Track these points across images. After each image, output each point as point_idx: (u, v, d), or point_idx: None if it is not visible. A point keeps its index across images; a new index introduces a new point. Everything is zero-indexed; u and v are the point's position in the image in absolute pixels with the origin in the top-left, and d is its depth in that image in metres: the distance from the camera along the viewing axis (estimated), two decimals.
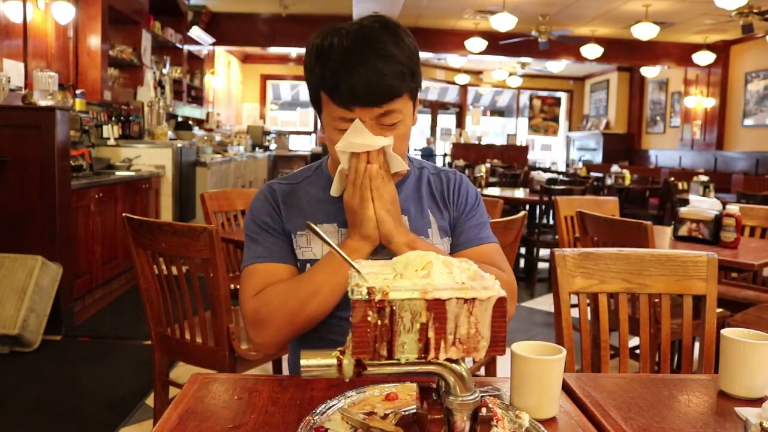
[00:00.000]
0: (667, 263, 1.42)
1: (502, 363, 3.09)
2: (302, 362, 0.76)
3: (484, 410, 0.75)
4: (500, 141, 12.95)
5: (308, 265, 1.20)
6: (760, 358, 0.99)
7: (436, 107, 14.02)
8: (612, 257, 1.42)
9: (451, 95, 14.44)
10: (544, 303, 4.72)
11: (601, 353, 1.45)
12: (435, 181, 1.31)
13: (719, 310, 2.67)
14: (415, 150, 12.11)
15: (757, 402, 0.95)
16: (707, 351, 1.40)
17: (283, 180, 1.30)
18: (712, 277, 1.40)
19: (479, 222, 1.31)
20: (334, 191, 1.17)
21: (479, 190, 1.29)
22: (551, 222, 5.91)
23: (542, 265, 5.35)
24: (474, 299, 0.70)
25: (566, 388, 1.04)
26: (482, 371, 2.40)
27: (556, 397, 0.93)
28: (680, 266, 1.41)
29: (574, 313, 1.65)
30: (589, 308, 1.52)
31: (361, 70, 1.06)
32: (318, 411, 0.86)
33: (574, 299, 1.45)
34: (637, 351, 1.91)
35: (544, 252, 5.33)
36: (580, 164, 11.55)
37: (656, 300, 1.52)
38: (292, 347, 1.32)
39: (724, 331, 1.02)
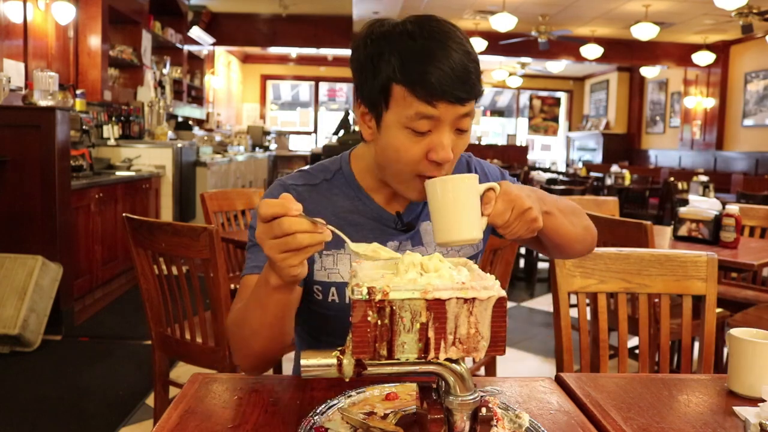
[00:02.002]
0: (667, 263, 1.42)
1: (502, 363, 3.09)
2: (302, 362, 0.76)
3: (483, 410, 0.75)
4: (500, 141, 12.95)
5: (333, 288, 1.11)
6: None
7: None
8: (611, 257, 1.43)
9: None
10: (543, 303, 4.72)
11: (600, 353, 1.45)
12: (482, 172, 1.24)
13: (719, 310, 2.67)
14: None
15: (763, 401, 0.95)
16: (707, 351, 1.40)
17: (299, 181, 1.15)
18: (712, 277, 1.40)
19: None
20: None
21: None
22: None
23: (542, 265, 5.35)
24: (474, 299, 0.70)
25: (566, 388, 1.04)
26: (482, 371, 2.40)
27: (475, 218, 0.92)
28: (680, 266, 1.41)
29: (574, 312, 1.66)
30: (588, 308, 1.52)
31: (450, 62, 0.95)
32: (318, 411, 0.87)
33: (573, 299, 1.45)
34: (637, 351, 1.91)
35: None
36: (580, 164, 11.55)
37: (656, 300, 1.52)
38: (297, 348, 1.30)
39: (732, 331, 1.03)
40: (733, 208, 2.67)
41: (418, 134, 0.98)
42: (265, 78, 12.95)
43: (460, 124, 1.00)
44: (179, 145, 5.68)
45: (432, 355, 0.71)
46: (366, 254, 0.83)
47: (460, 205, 0.91)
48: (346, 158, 1.18)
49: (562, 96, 14.49)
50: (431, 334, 0.70)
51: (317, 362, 0.75)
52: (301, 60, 12.57)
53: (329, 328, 1.15)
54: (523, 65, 11.46)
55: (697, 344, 2.37)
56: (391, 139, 1.01)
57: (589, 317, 1.51)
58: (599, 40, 9.42)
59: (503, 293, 0.71)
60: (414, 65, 0.95)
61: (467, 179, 0.92)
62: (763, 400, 0.90)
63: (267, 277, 0.89)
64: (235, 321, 1.02)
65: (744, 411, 0.93)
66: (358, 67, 1.04)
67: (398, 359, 0.71)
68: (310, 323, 1.20)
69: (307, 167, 1.21)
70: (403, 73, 0.96)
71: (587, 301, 1.50)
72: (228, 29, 9.39)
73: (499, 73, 12.33)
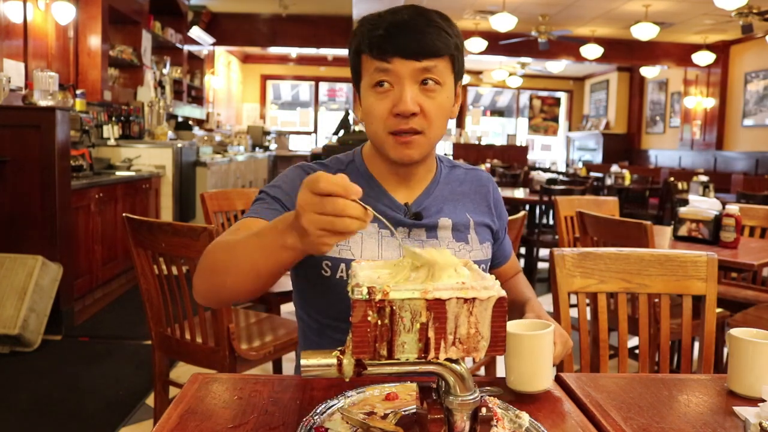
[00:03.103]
0: (667, 263, 1.42)
1: (502, 363, 3.09)
2: (302, 362, 0.76)
3: (484, 410, 0.75)
4: (500, 141, 12.95)
5: (342, 264, 1.13)
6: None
7: None
8: (611, 257, 1.42)
9: None
10: (543, 303, 4.71)
11: (600, 353, 1.45)
12: (479, 182, 1.30)
13: (719, 310, 2.67)
14: None
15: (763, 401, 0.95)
16: (707, 351, 1.40)
17: (317, 165, 1.23)
18: (712, 277, 1.40)
19: (504, 230, 1.34)
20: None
21: None
22: (551, 222, 5.92)
23: (542, 265, 5.35)
24: (474, 299, 0.70)
25: (566, 388, 1.04)
26: (482, 371, 2.40)
27: (548, 370, 0.98)
28: (680, 266, 1.41)
29: (574, 313, 1.66)
30: (588, 308, 1.52)
31: (407, 29, 1.06)
32: (318, 411, 0.87)
33: (573, 299, 1.45)
34: (637, 351, 1.92)
35: (543, 252, 5.33)
36: (580, 164, 11.55)
37: (656, 300, 1.52)
38: (299, 345, 1.31)
39: (732, 331, 1.03)
40: (733, 208, 2.67)
41: (380, 92, 1.08)
42: (265, 78, 12.95)
43: (423, 79, 1.07)
44: (179, 145, 5.68)
45: (432, 355, 0.71)
46: (422, 256, 0.78)
47: (543, 359, 0.98)
48: (359, 150, 1.25)
49: (562, 96, 14.49)
50: (431, 334, 0.70)
51: (317, 362, 0.75)
52: (301, 60, 12.57)
53: (334, 310, 1.15)
54: (523, 65, 11.46)
55: (697, 344, 2.37)
56: (365, 103, 1.12)
57: (589, 317, 1.51)
58: (599, 40, 9.42)
59: (503, 293, 0.71)
60: (371, 34, 1.08)
61: (549, 336, 0.98)
62: (763, 400, 0.90)
63: (284, 234, 0.84)
64: (220, 247, 0.97)
65: (744, 411, 0.93)
66: (349, 60, 1.16)
67: (398, 359, 0.71)
68: (314, 306, 1.21)
69: (323, 160, 1.27)
70: (367, 42, 1.08)
71: (587, 301, 1.50)
72: (228, 29, 9.39)
73: (499, 73, 12.33)
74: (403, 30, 1.06)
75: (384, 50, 1.06)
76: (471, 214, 1.24)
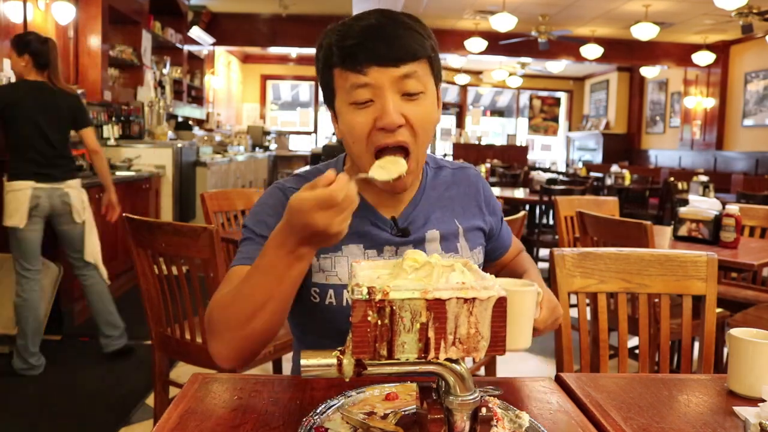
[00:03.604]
0: (667, 263, 1.42)
1: (502, 363, 3.08)
2: (302, 362, 0.76)
3: (484, 410, 0.75)
4: (500, 141, 12.95)
5: (331, 290, 1.10)
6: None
7: None
8: (611, 257, 1.42)
9: (451, 95, 14.44)
10: None
11: (600, 353, 1.45)
12: (461, 180, 1.24)
13: (719, 310, 2.67)
14: None
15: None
16: (707, 351, 1.40)
17: (295, 184, 1.13)
18: (712, 277, 1.40)
19: (501, 221, 1.31)
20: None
21: None
22: (551, 222, 5.92)
23: (542, 265, 5.34)
24: (474, 299, 0.70)
25: (566, 388, 1.04)
26: (482, 371, 2.40)
27: (527, 330, 0.95)
28: (680, 266, 1.41)
29: (574, 313, 1.66)
30: (588, 308, 1.52)
31: (380, 36, 0.99)
32: (318, 411, 0.87)
33: (573, 299, 1.45)
34: (637, 351, 1.92)
35: (543, 252, 5.33)
36: (580, 164, 11.55)
37: (656, 300, 1.52)
38: (296, 349, 1.30)
39: (732, 331, 1.03)
40: (733, 208, 2.67)
41: (360, 106, 1.01)
42: (265, 78, 12.95)
43: (404, 87, 1.00)
44: (179, 145, 5.68)
45: (432, 355, 0.71)
46: (382, 177, 0.94)
47: (522, 318, 0.94)
48: (342, 161, 1.19)
49: (562, 96, 14.49)
50: (431, 334, 0.70)
51: (317, 362, 0.75)
52: (301, 60, 12.57)
53: (327, 331, 1.13)
54: (523, 65, 11.46)
55: (697, 344, 2.37)
56: (344, 121, 1.04)
57: (589, 317, 1.51)
58: (599, 40, 9.42)
59: (503, 293, 0.71)
60: (341, 44, 1.00)
61: (530, 295, 0.94)
62: (763, 400, 0.90)
63: (296, 250, 0.86)
64: (224, 304, 0.95)
65: (744, 411, 0.93)
66: (317, 72, 1.09)
67: (398, 359, 0.71)
68: (308, 328, 1.19)
69: (303, 170, 1.22)
70: (336, 56, 1.01)
71: (587, 301, 1.50)
72: (228, 29, 9.39)
73: (499, 73, 12.33)
74: (375, 35, 0.98)
75: (357, 60, 0.98)
76: (460, 220, 1.19)
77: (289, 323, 1.25)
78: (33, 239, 3.10)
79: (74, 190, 3.24)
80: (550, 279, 1.45)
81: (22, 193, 3.02)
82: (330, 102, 1.07)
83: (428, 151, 1.16)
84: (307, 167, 1.25)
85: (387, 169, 0.96)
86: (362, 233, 1.11)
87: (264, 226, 1.08)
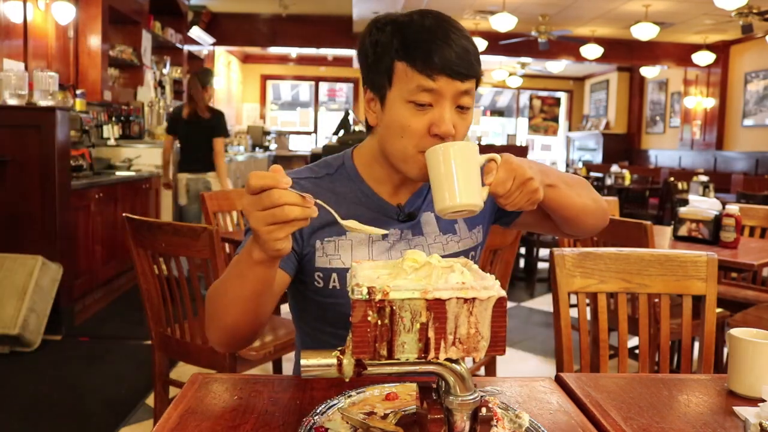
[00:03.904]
0: (667, 263, 1.42)
1: (502, 363, 3.09)
2: (302, 362, 0.76)
3: (483, 410, 0.75)
4: (500, 141, 12.95)
5: (334, 274, 1.12)
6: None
7: None
8: (611, 257, 1.42)
9: None
10: (543, 303, 4.72)
11: (600, 353, 1.45)
12: None
13: (719, 310, 2.67)
14: None
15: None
16: (707, 351, 1.40)
17: (302, 174, 1.16)
18: (712, 277, 1.40)
19: None
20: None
21: None
22: None
23: (542, 265, 5.35)
24: (474, 299, 0.70)
25: (566, 388, 1.04)
26: (482, 371, 2.40)
27: (471, 185, 0.92)
28: (680, 266, 1.41)
29: (574, 312, 1.66)
30: (588, 308, 1.52)
31: (450, 43, 1.01)
32: (318, 411, 0.87)
33: (573, 299, 1.45)
34: (637, 351, 1.91)
35: (543, 252, 5.33)
36: (580, 164, 11.55)
37: (656, 300, 1.52)
38: (298, 348, 1.30)
39: (732, 331, 1.03)
40: (733, 208, 2.67)
41: (419, 107, 1.02)
42: (265, 78, 12.95)
43: (461, 101, 1.03)
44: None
45: (432, 355, 0.71)
46: (356, 228, 0.88)
47: (461, 171, 0.91)
48: (349, 154, 1.20)
49: (562, 96, 14.49)
50: (431, 334, 0.70)
51: (317, 362, 0.75)
52: (301, 60, 12.57)
53: (331, 317, 1.15)
54: (523, 65, 11.46)
55: (697, 344, 2.37)
56: (395, 114, 1.05)
57: (589, 317, 1.51)
58: (599, 40, 9.42)
59: (503, 293, 0.70)
60: (414, 42, 1.02)
61: (468, 146, 0.93)
62: (763, 400, 0.90)
63: (250, 251, 0.89)
64: (213, 290, 1.01)
65: (744, 411, 0.93)
66: (364, 54, 1.09)
67: (398, 359, 0.71)
68: (311, 314, 1.20)
69: (310, 164, 1.22)
70: (405, 50, 1.02)
71: (587, 301, 1.50)
72: (228, 29, 9.39)
73: (499, 73, 12.33)
74: (446, 43, 1.01)
75: (431, 65, 1.00)
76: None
77: (292, 313, 1.27)
78: (192, 213, 4.56)
79: (213, 179, 4.55)
80: (550, 279, 1.45)
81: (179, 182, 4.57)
82: (379, 88, 1.07)
83: None
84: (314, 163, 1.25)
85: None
86: (367, 219, 1.10)
87: None
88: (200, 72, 4.66)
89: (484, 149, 1.06)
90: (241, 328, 1.00)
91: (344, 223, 0.87)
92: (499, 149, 10.85)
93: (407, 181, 1.15)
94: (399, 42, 1.03)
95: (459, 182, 0.91)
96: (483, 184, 0.95)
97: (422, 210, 1.18)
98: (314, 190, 1.08)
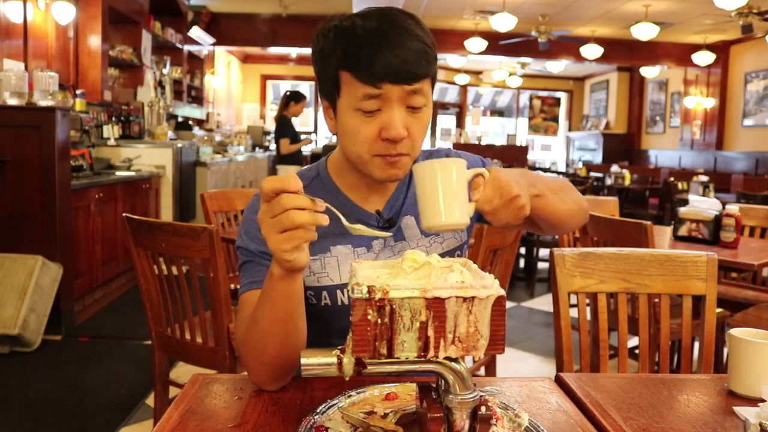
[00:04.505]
0: (667, 263, 1.42)
1: (502, 363, 3.09)
2: (302, 361, 0.76)
3: (483, 409, 0.75)
4: (500, 141, 12.96)
5: (324, 292, 1.12)
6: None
7: (436, 107, 14.02)
8: (611, 257, 1.42)
9: (451, 95, 14.44)
10: (543, 303, 4.73)
11: (600, 353, 1.45)
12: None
13: (719, 310, 2.67)
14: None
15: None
16: (707, 351, 1.40)
17: None
18: (712, 277, 1.40)
19: None
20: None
21: None
22: None
23: (542, 265, 5.35)
24: (473, 298, 0.70)
25: (566, 388, 1.04)
26: (482, 371, 2.40)
27: (458, 203, 0.90)
28: (680, 266, 1.41)
29: (574, 312, 1.66)
30: (588, 308, 1.52)
31: (392, 47, 0.98)
32: (318, 410, 0.87)
33: (574, 299, 1.45)
34: (637, 351, 1.91)
35: (543, 252, 5.34)
36: (580, 164, 11.55)
37: (656, 300, 1.52)
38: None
39: (732, 331, 1.03)
40: (733, 208, 2.67)
41: (367, 114, 1.02)
42: (265, 78, 12.95)
43: (411, 101, 1.02)
44: (179, 145, 5.68)
45: (432, 353, 0.71)
46: (364, 231, 0.87)
47: (448, 188, 0.90)
48: (323, 163, 1.19)
49: (562, 96, 14.49)
50: (431, 332, 0.70)
51: (317, 361, 0.75)
52: (301, 60, 12.57)
53: (329, 331, 1.15)
54: (523, 65, 11.46)
55: (697, 344, 2.37)
56: (346, 123, 1.05)
57: (589, 317, 1.51)
58: (599, 40, 9.42)
59: (502, 292, 0.71)
60: (354, 51, 0.99)
61: (456, 163, 0.91)
62: (763, 400, 0.90)
63: (272, 269, 0.88)
64: (244, 331, 0.99)
65: (744, 411, 0.93)
66: (313, 62, 1.09)
67: (398, 358, 0.71)
68: (310, 329, 1.19)
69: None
70: (347, 59, 1.00)
71: (587, 301, 1.50)
72: (228, 29, 9.39)
73: (499, 73, 12.33)
74: (389, 46, 0.98)
75: (373, 73, 0.98)
76: None
77: None
78: None
79: (281, 171, 5.41)
80: (550, 279, 1.45)
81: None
82: (330, 98, 1.07)
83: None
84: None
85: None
86: (347, 233, 1.12)
87: (259, 241, 1.06)
88: (291, 92, 6.16)
89: (484, 149, 1.06)
90: (284, 354, 0.95)
91: (351, 226, 0.86)
92: (499, 149, 10.79)
93: (378, 185, 1.14)
94: (341, 51, 1.01)
95: (445, 200, 0.90)
96: (470, 200, 0.93)
97: (401, 214, 1.17)
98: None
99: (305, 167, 1.23)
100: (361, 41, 0.99)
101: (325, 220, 0.81)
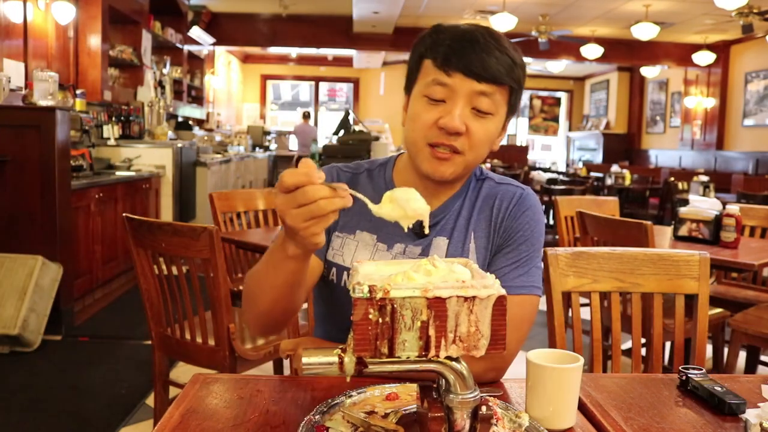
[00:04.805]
0: (660, 262, 1.42)
1: None
2: (303, 359, 0.76)
3: (484, 408, 0.75)
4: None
5: (333, 268, 1.15)
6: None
7: None
8: (605, 256, 1.42)
9: None
10: (543, 303, 4.71)
11: (593, 352, 1.45)
12: (492, 195, 1.17)
13: (719, 310, 2.67)
14: None
15: None
16: (699, 350, 1.40)
17: (347, 168, 1.22)
18: (704, 276, 1.40)
19: (516, 260, 1.12)
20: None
21: None
22: (551, 222, 5.92)
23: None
24: (474, 297, 0.70)
25: None
26: None
27: (574, 406, 0.89)
28: (672, 265, 1.41)
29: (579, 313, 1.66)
30: (584, 308, 1.52)
31: (477, 48, 1.03)
32: (319, 410, 0.87)
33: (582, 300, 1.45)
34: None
35: None
36: (580, 164, 11.56)
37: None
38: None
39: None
40: (734, 208, 2.66)
41: (432, 102, 1.06)
42: (265, 78, 12.96)
43: (477, 102, 1.05)
44: (179, 145, 5.68)
45: (432, 353, 0.71)
46: (390, 217, 0.84)
47: (565, 394, 0.88)
48: (395, 157, 1.24)
49: (563, 96, 14.49)
50: (432, 332, 0.70)
51: (318, 360, 0.75)
52: (301, 60, 12.58)
53: (334, 307, 1.18)
54: None
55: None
56: (412, 108, 1.09)
57: (584, 317, 1.51)
58: (599, 40, 9.42)
59: (503, 292, 0.71)
60: (443, 42, 1.05)
61: (575, 371, 0.89)
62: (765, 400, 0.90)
63: (284, 246, 0.89)
64: (250, 277, 1.04)
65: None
66: (408, 60, 1.14)
67: (399, 357, 0.71)
68: (323, 299, 1.23)
69: (362, 161, 1.26)
70: (432, 47, 1.06)
71: (581, 300, 1.50)
72: (228, 29, 9.39)
73: None
74: (472, 47, 1.03)
75: (448, 62, 1.03)
76: (476, 235, 1.15)
77: (316, 318, 1.30)
78: None
79: None
80: (543, 279, 1.45)
81: None
82: (409, 87, 1.12)
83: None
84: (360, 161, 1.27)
85: (401, 206, 0.83)
86: (380, 225, 1.12)
87: None
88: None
89: None
90: (274, 314, 1.02)
91: (378, 211, 0.84)
92: (500, 149, 10.86)
93: (434, 192, 1.13)
94: (431, 41, 1.07)
95: (560, 406, 0.88)
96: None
97: (436, 233, 1.15)
98: (345, 182, 1.03)
99: (371, 159, 1.27)
100: (452, 38, 1.05)
101: (350, 202, 0.82)
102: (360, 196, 0.84)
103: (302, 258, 0.91)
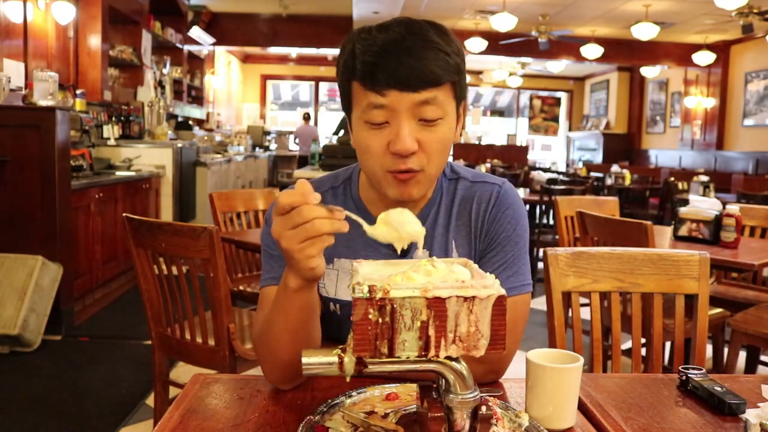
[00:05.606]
0: (660, 262, 1.42)
1: None
2: (303, 360, 0.76)
3: (483, 408, 0.75)
4: (500, 141, 12.96)
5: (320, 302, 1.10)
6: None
7: None
8: (604, 256, 1.42)
9: None
10: (543, 303, 4.72)
11: (593, 352, 1.45)
12: (469, 198, 1.11)
13: (719, 310, 2.67)
14: None
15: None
16: (699, 350, 1.40)
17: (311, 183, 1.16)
18: (704, 276, 1.40)
19: (503, 262, 1.09)
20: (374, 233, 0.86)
21: None
22: (551, 222, 5.92)
23: (542, 266, 5.34)
24: (474, 297, 0.70)
25: None
26: None
27: (573, 406, 0.90)
28: (672, 265, 1.41)
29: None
30: (584, 308, 1.52)
31: (402, 54, 0.93)
32: (319, 410, 0.87)
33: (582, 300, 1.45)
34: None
35: None
36: (580, 164, 11.55)
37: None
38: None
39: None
40: (734, 208, 2.66)
41: (375, 127, 0.97)
42: (265, 78, 12.96)
43: (422, 113, 0.96)
44: (179, 145, 5.68)
45: (432, 353, 0.71)
46: (384, 238, 0.84)
47: (564, 394, 0.88)
48: (358, 169, 1.14)
49: (563, 96, 14.49)
50: (432, 332, 0.70)
51: (318, 360, 0.75)
52: (301, 60, 12.58)
53: (324, 338, 1.14)
54: (524, 65, 11.46)
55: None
56: (357, 137, 1.01)
57: (584, 317, 1.51)
58: (599, 40, 9.42)
59: (503, 291, 0.71)
60: (363, 58, 0.95)
61: (575, 371, 0.89)
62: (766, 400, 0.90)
63: (286, 281, 0.87)
64: (259, 332, 0.99)
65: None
66: (337, 76, 1.05)
67: (399, 357, 0.71)
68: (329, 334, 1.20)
69: (326, 174, 1.20)
70: (356, 69, 0.96)
71: (581, 300, 1.50)
72: (228, 29, 9.40)
73: (499, 73, 12.33)
74: (398, 55, 0.93)
75: (377, 80, 0.93)
76: (456, 243, 1.11)
77: None
78: None
79: None
80: (543, 279, 1.45)
81: None
82: (347, 111, 1.05)
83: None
84: (321, 175, 1.21)
85: (395, 229, 0.84)
86: (356, 248, 1.08)
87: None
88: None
89: (484, 149, 1.05)
90: (297, 359, 0.92)
91: (372, 232, 0.84)
92: (500, 149, 10.78)
93: (402, 204, 1.07)
94: (353, 61, 0.97)
95: (560, 405, 0.88)
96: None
97: (416, 248, 1.05)
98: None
99: (333, 172, 1.19)
100: (373, 52, 0.94)
101: (346, 227, 0.80)
102: (355, 217, 0.83)
103: (306, 289, 0.88)
